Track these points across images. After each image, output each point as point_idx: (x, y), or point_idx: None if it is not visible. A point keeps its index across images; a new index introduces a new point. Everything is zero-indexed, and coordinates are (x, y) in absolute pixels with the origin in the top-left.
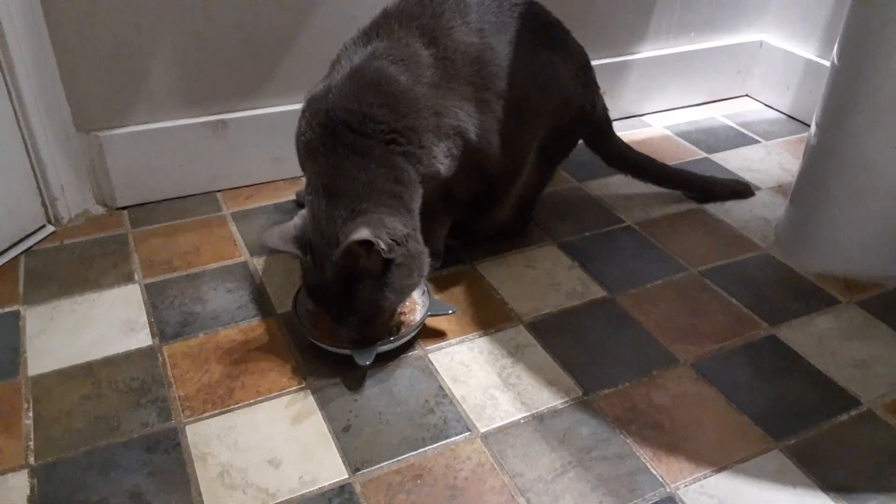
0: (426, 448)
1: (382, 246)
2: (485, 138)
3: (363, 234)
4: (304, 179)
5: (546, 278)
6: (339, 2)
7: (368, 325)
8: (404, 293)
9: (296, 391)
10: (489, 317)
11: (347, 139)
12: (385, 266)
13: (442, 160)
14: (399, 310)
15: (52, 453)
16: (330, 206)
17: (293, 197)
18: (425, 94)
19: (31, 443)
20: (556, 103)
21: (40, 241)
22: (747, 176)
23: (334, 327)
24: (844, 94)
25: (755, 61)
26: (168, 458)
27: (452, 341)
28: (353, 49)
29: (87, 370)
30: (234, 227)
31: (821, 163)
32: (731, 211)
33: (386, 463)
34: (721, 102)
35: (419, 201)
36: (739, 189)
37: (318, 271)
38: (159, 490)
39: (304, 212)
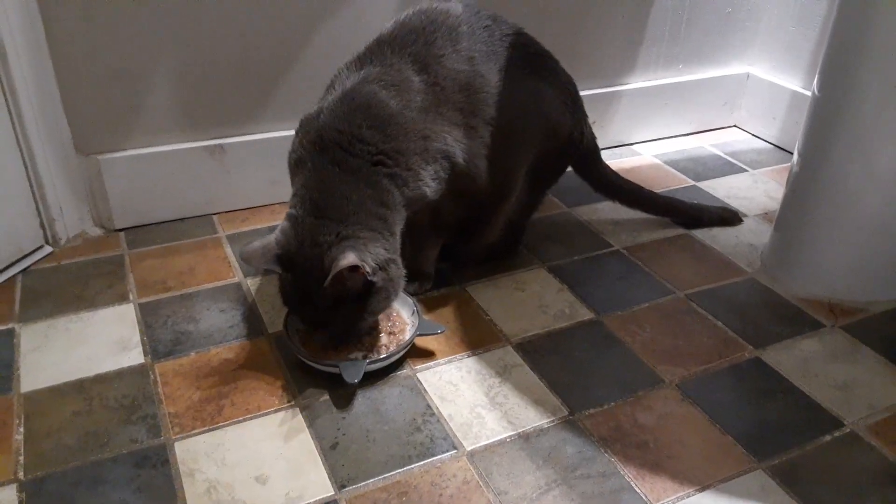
0: (412, 466)
1: (368, 269)
2: (472, 162)
3: (350, 258)
4: None
5: (534, 300)
6: (334, 31)
7: (343, 337)
8: (378, 314)
9: (285, 409)
10: (478, 337)
11: (337, 157)
12: (365, 288)
13: (429, 183)
14: (389, 329)
15: (42, 468)
16: (315, 226)
17: None
18: (414, 118)
19: (21, 457)
20: (544, 130)
21: (38, 262)
22: (734, 203)
23: (324, 346)
24: (824, 123)
25: (742, 93)
26: (156, 473)
27: (441, 361)
28: (347, 74)
29: (79, 387)
30: (228, 249)
31: (803, 191)
32: (717, 237)
33: (372, 480)
34: (709, 132)
35: (402, 224)
36: (727, 216)
37: (298, 289)
38: None
39: (284, 225)
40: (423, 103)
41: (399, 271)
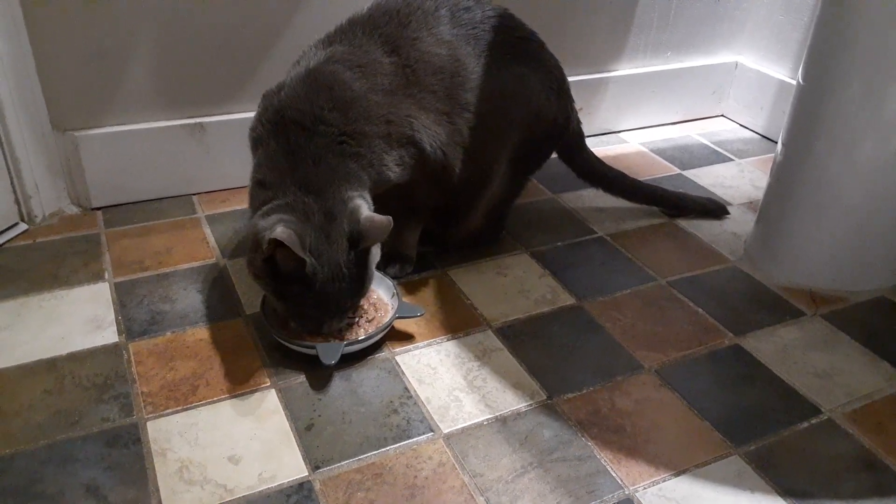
0: (388, 448)
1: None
2: (440, 149)
3: (366, 210)
4: None
5: (516, 285)
6: (318, 8)
7: (356, 305)
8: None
9: (260, 390)
10: (458, 321)
11: (301, 139)
12: None
13: (392, 168)
14: (368, 313)
15: (11, 446)
16: (317, 202)
17: None
18: (378, 101)
19: None
20: (526, 116)
21: (12, 239)
22: (719, 192)
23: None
24: (808, 113)
25: (730, 82)
26: (127, 452)
27: (420, 344)
28: (313, 52)
29: (51, 366)
30: (207, 230)
31: (786, 180)
32: (701, 225)
33: (347, 462)
34: (697, 121)
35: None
36: (713, 208)
37: (329, 268)
38: (116, 484)
39: (287, 217)
40: (391, 86)
41: None
